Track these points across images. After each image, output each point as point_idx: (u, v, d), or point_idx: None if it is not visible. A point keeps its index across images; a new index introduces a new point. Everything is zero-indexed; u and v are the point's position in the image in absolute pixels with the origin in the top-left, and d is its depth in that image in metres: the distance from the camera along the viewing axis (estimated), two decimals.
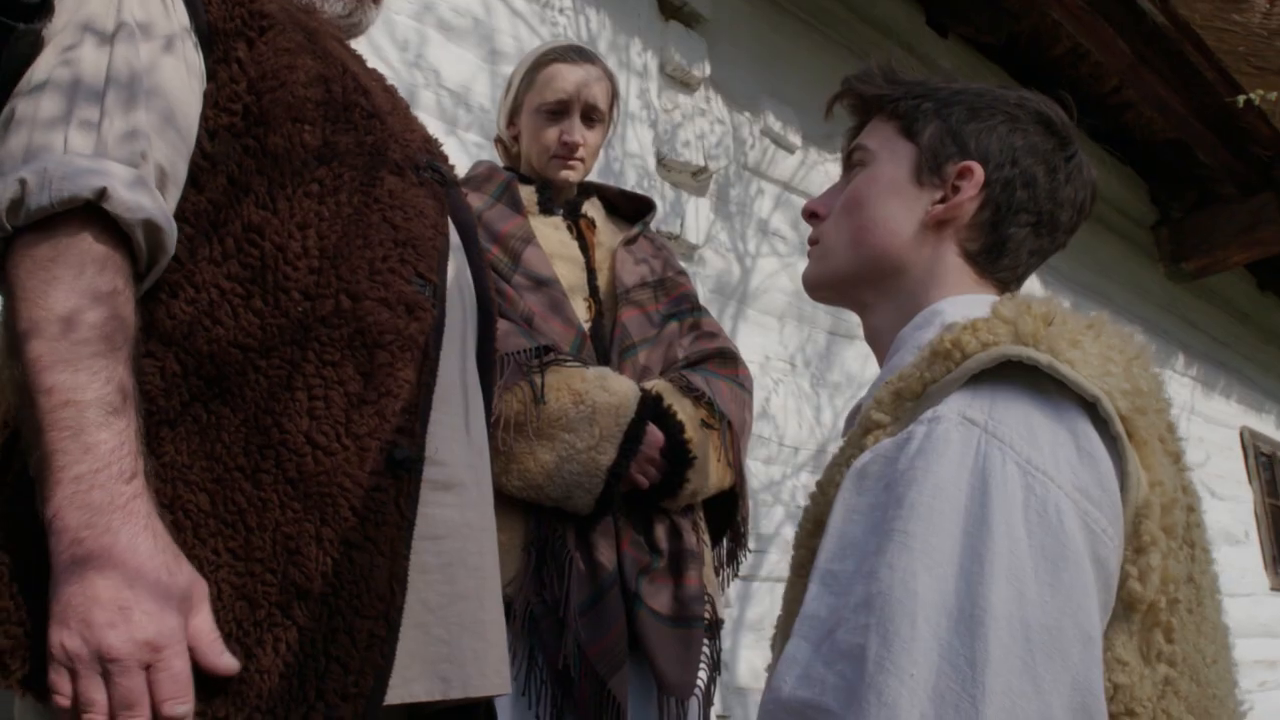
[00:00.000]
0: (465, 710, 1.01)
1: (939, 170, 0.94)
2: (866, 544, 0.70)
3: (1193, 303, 6.40)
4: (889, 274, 0.95)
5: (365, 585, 0.84)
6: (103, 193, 0.79)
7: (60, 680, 0.73)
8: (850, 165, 1.02)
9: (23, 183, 0.78)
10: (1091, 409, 0.72)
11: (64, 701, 0.73)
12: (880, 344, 0.99)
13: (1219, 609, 0.79)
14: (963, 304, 0.91)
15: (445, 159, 1.14)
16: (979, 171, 0.93)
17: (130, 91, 0.85)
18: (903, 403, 0.78)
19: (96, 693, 0.73)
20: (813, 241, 1.03)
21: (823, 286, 1.02)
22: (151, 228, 0.83)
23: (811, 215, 1.03)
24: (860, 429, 0.80)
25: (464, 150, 2.40)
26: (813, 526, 0.80)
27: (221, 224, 0.89)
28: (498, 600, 0.99)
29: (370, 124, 1.00)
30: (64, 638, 0.73)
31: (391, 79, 1.19)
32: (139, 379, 0.82)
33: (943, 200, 0.94)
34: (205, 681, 0.79)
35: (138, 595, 0.74)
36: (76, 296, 0.78)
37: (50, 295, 0.78)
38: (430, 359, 0.94)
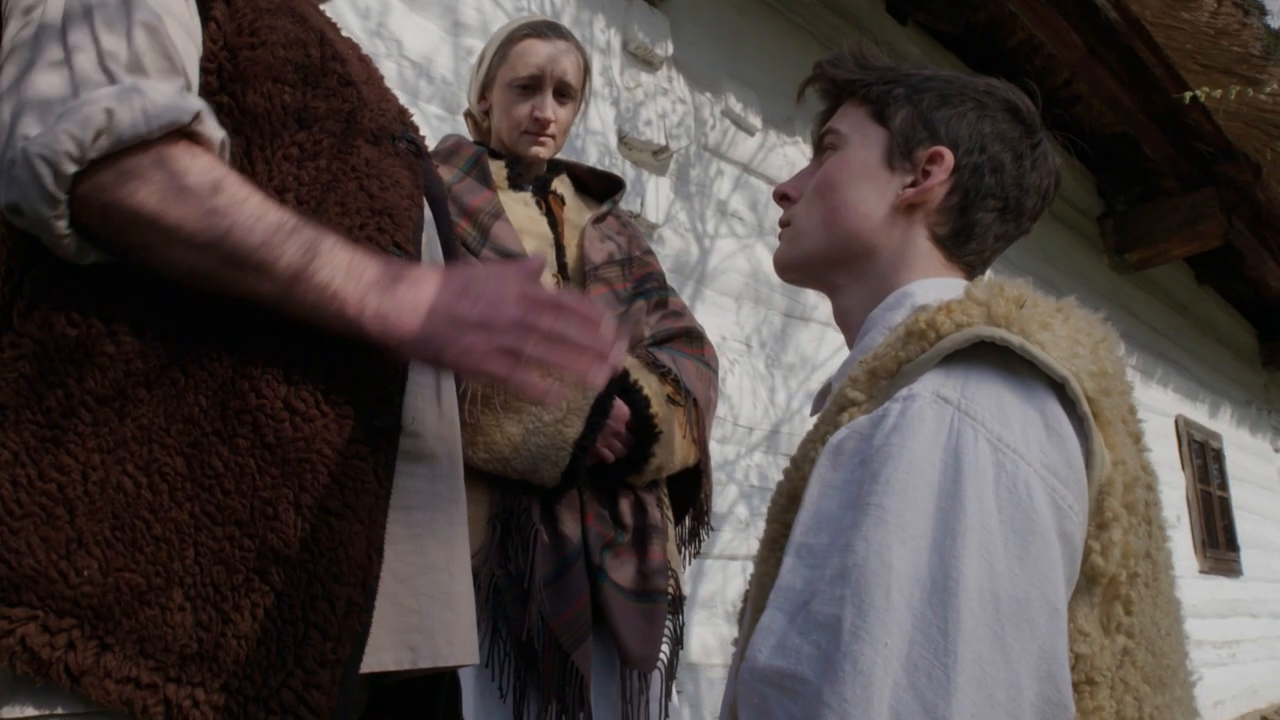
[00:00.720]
0: (429, 681, 1.01)
1: (910, 155, 0.96)
2: (842, 518, 0.72)
3: (1134, 293, 6.58)
4: (860, 256, 0.97)
5: (344, 552, 0.84)
6: (197, 115, 0.82)
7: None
8: (821, 149, 1.03)
9: (109, 111, 0.78)
10: (1060, 390, 0.74)
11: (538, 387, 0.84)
12: (849, 325, 1.01)
13: (1172, 584, 0.82)
14: (933, 287, 0.93)
15: (417, 130, 1.13)
16: (949, 156, 0.95)
17: (163, 26, 0.85)
18: (877, 381, 0.79)
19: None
20: (784, 224, 1.04)
21: (794, 268, 1.03)
22: (225, 148, 0.86)
23: (783, 198, 1.04)
24: (835, 406, 0.81)
25: (425, 122, 2.37)
26: (787, 501, 0.82)
27: None
28: (467, 571, 1.00)
29: (346, 91, 0.99)
30: (475, 339, 0.83)
31: None
32: (116, 341, 0.82)
33: (913, 184, 0.95)
34: (180, 646, 0.78)
35: (466, 274, 0.87)
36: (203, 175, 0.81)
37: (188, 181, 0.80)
38: None
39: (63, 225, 0.79)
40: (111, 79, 0.80)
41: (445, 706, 1.05)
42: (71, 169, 0.77)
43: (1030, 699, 0.66)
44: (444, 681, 1.04)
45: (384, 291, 0.84)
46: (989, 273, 0.99)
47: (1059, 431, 0.73)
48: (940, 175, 0.95)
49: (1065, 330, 0.77)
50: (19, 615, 0.75)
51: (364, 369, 0.89)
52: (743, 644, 0.92)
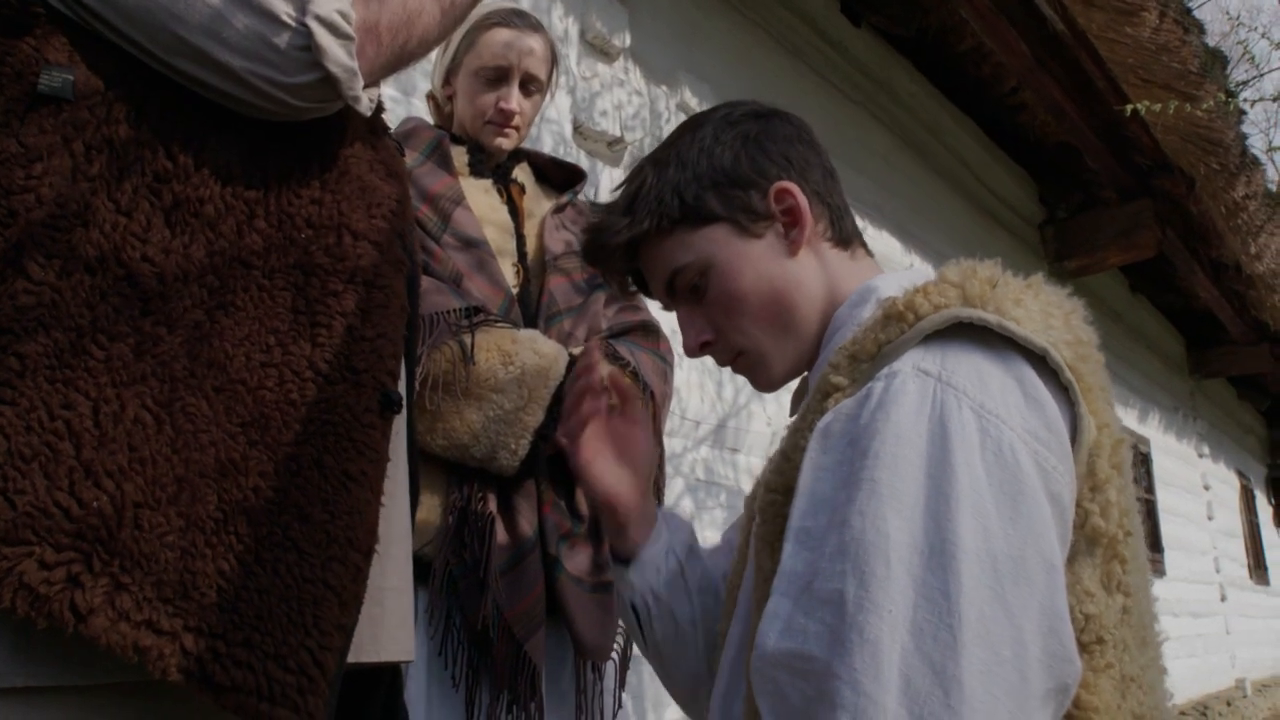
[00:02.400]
0: (369, 674, 1.00)
1: (757, 212, 0.98)
2: (836, 497, 0.73)
3: None
4: (815, 309, 0.98)
5: (359, 518, 0.83)
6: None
7: None
8: (683, 290, 1.01)
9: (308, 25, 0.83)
10: (1036, 359, 0.77)
11: None
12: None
13: (1142, 540, 0.84)
14: (893, 279, 0.96)
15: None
16: (789, 185, 0.98)
17: None
18: (859, 364, 0.81)
19: None
20: (729, 361, 1.03)
21: (789, 377, 1.03)
22: None
23: (704, 345, 1.02)
24: (819, 394, 0.82)
25: None
26: (784, 496, 0.82)
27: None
28: (402, 568, 0.98)
29: None
30: None
31: None
32: (133, 281, 0.80)
33: (788, 225, 0.98)
34: (200, 595, 0.75)
35: None
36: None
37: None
38: (407, 312, 0.95)
39: (358, 73, 0.86)
40: None
41: (385, 700, 1.04)
42: (354, 15, 0.85)
43: (1036, 654, 0.67)
44: (385, 675, 1.03)
45: None
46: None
47: (1037, 398, 0.75)
48: (799, 197, 0.98)
49: (1037, 305, 0.80)
50: (16, 553, 0.70)
51: (380, 342, 0.89)
52: (739, 637, 0.93)
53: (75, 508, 0.72)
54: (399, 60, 0.93)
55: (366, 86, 0.89)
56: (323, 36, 0.82)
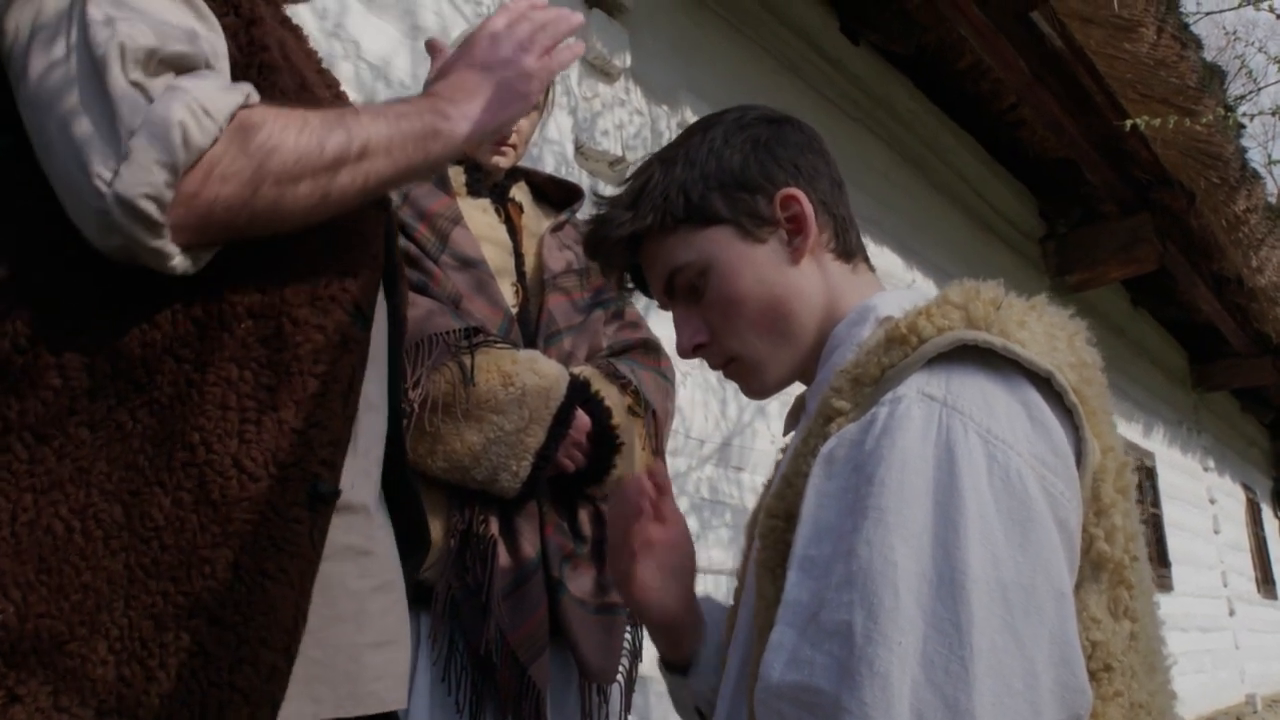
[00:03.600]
0: None
1: (763, 218, 0.97)
2: (842, 525, 0.72)
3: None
4: (814, 320, 0.97)
5: (274, 617, 0.81)
6: (249, 94, 0.83)
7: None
8: (681, 290, 0.99)
9: (183, 125, 0.76)
10: (1041, 383, 0.75)
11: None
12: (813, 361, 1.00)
13: (1147, 565, 0.83)
14: (891, 299, 0.95)
15: None
16: (794, 189, 0.97)
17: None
18: (862, 388, 0.79)
19: None
20: (722, 365, 1.01)
21: (779, 387, 1.01)
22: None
23: (698, 347, 1.00)
24: (822, 418, 0.81)
25: None
26: (785, 522, 0.81)
27: None
28: (382, 623, 0.96)
29: None
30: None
31: None
32: (63, 374, 0.78)
33: (792, 233, 0.97)
34: (99, 702, 0.74)
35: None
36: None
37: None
38: (354, 392, 0.92)
39: (174, 248, 0.78)
40: (146, 93, 0.77)
41: None
42: (170, 195, 0.76)
43: (1047, 684, 0.66)
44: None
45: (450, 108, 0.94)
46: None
47: (1043, 422, 0.74)
48: (805, 205, 0.97)
49: (1041, 326, 0.79)
50: None
51: (312, 432, 0.86)
52: (738, 666, 0.91)
53: None
54: (266, 216, 0.83)
55: (202, 246, 0.81)
56: (119, 216, 0.75)
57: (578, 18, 1.05)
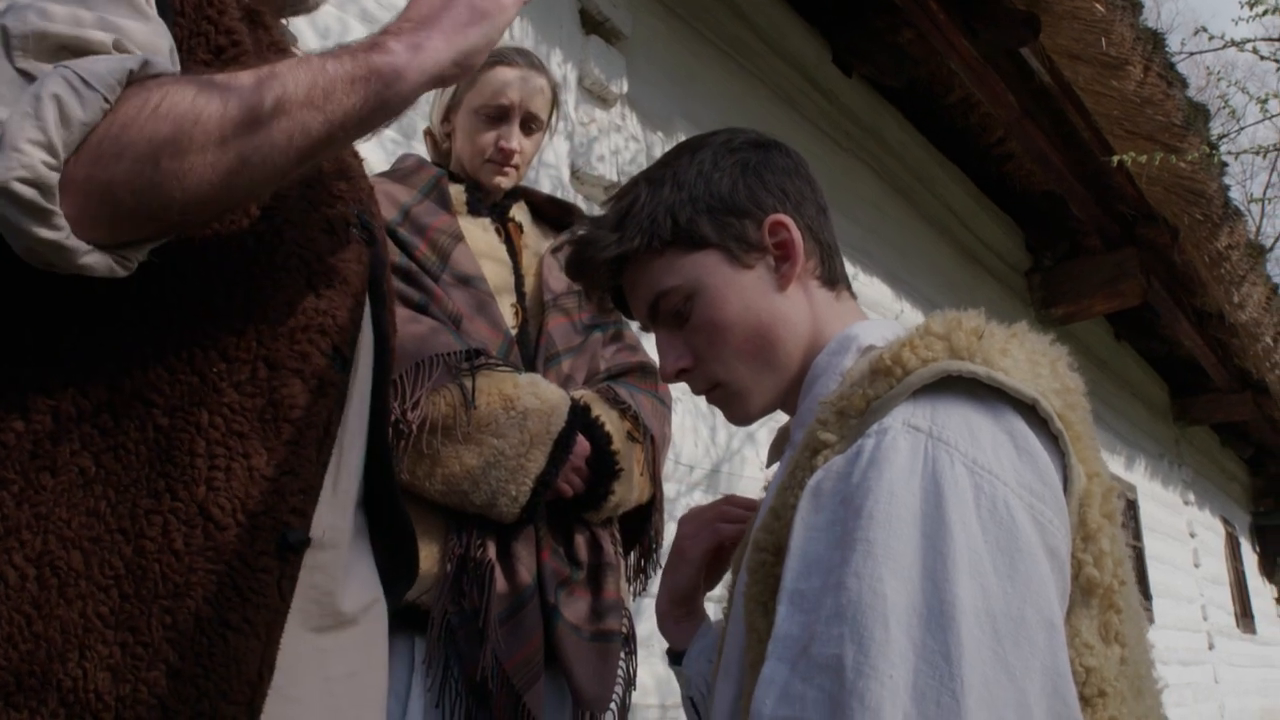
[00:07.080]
0: None
1: (750, 243, 0.96)
2: (830, 558, 0.71)
3: None
4: (799, 347, 0.97)
5: (236, 669, 0.78)
6: (144, 63, 0.75)
7: None
8: (666, 314, 0.99)
9: (57, 98, 0.70)
10: (1026, 409, 0.75)
11: None
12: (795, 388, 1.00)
13: (1135, 588, 0.83)
14: (873, 327, 0.95)
15: (376, 212, 1.07)
16: (784, 218, 0.97)
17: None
18: (847, 420, 0.79)
19: None
20: (706, 390, 1.00)
21: (762, 414, 1.00)
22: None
23: (681, 372, 0.99)
24: (808, 450, 0.81)
25: (381, 147, 2.34)
26: (774, 556, 0.80)
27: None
28: (347, 661, 0.94)
29: (310, 172, 0.93)
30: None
31: None
32: (26, 418, 0.75)
33: (779, 259, 0.97)
34: None
35: None
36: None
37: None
38: (330, 437, 0.89)
39: (78, 242, 0.71)
40: (31, 78, 0.72)
41: None
42: (54, 177, 0.69)
43: (1039, 716, 0.65)
44: None
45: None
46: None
47: (1028, 450, 0.74)
48: (793, 231, 0.96)
49: (1023, 353, 0.79)
50: None
51: (284, 480, 0.84)
52: (730, 701, 0.90)
53: None
54: (160, 209, 0.74)
55: (121, 247, 0.74)
56: (5, 208, 0.68)
57: None
